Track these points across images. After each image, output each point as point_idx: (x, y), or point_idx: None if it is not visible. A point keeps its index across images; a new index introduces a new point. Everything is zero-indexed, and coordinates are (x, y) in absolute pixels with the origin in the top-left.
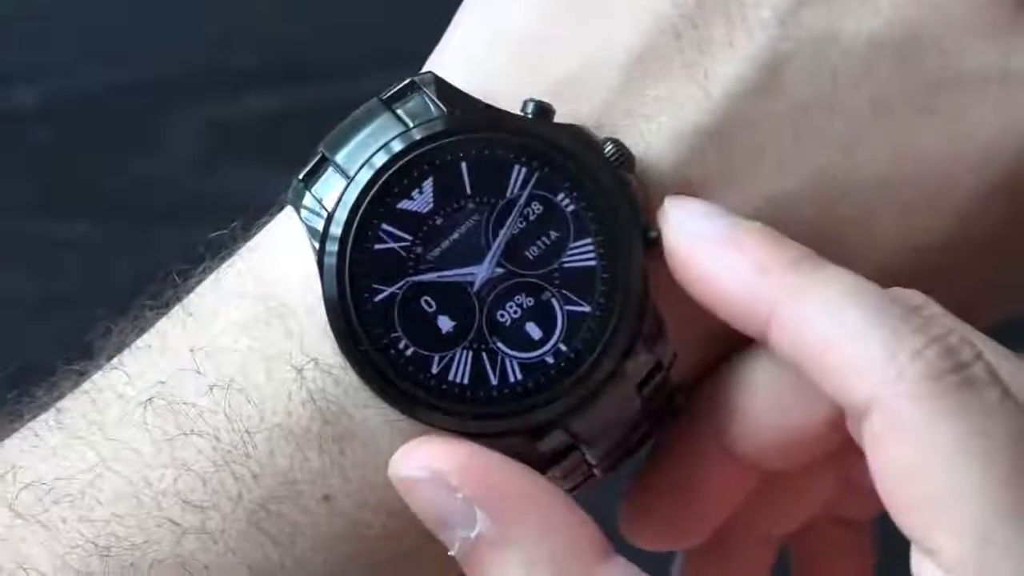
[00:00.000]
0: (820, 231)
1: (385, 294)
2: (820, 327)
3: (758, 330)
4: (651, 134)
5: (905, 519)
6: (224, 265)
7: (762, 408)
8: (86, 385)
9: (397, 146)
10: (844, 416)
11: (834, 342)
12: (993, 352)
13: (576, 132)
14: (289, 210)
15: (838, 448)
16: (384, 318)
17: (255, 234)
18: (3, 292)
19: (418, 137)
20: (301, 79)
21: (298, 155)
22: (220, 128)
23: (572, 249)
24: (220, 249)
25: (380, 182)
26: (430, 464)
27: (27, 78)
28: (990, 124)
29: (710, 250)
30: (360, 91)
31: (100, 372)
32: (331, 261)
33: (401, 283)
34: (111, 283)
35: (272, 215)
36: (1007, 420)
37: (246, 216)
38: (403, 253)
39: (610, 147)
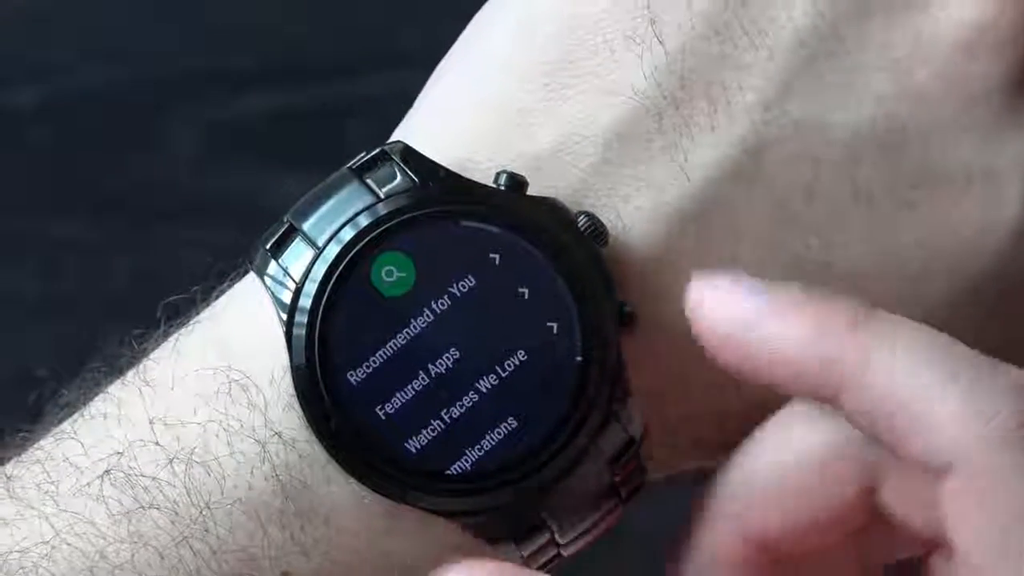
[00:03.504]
0: None
1: (356, 368)
2: (906, 381)
3: (829, 395)
4: (628, 214)
5: None
6: (183, 331)
7: (787, 489)
8: (38, 453)
9: (364, 220)
10: (872, 492)
11: (920, 396)
12: None
13: (550, 206)
14: (251, 277)
15: (862, 527)
16: (355, 391)
17: (214, 299)
18: (3, 292)
19: (384, 212)
20: (301, 79)
21: (298, 155)
22: (220, 128)
23: (546, 324)
24: (178, 314)
25: (348, 257)
26: None
27: (27, 78)
28: (971, 222)
29: (759, 326)
30: (360, 91)
31: (52, 439)
32: (300, 332)
33: (372, 357)
34: (111, 283)
35: (232, 281)
36: None
37: (205, 283)
38: (373, 328)
39: (584, 220)
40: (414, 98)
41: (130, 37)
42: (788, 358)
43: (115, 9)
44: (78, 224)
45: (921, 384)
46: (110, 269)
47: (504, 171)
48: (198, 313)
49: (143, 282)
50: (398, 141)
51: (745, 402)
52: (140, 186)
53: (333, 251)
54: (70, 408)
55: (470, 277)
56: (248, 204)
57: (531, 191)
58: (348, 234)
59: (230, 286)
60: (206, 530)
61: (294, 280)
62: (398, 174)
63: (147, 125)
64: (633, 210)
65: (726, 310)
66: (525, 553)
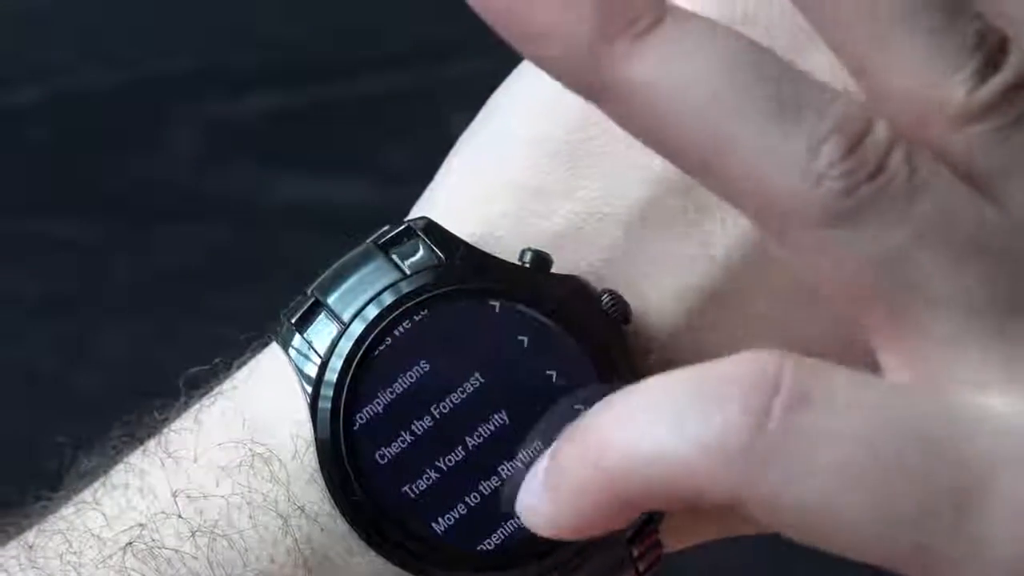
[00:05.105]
0: None
1: (382, 445)
2: None
3: None
4: (652, 292)
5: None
6: (205, 402)
7: None
8: (59, 523)
9: (389, 298)
10: None
11: None
12: None
13: (575, 284)
14: (273, 349)
15: None
16: (380, 468)
17: (235, 370)
18: (3, 292)
19: (410, 289)
20: (301, 79)
21: (298, 155)
22: (220, 128)
23: (569, 400)
24: (200, 385)
25: (373, 335)
26: None
27: (27, 78)
28: None
29: None
30: (360, 91)
31: (73, 508)
32: (325, 406)
33: (399, 434)
34: (111, 283)
35: (253, 352)
36: None
37: (228, 353)
38: (399, 405)
39: (607, 298)
40: (413, 98)
41: (130, 37)
42: None
43: (115, 9)
44: (78, 224)
45: None
46: (110, 269)
47: (529, 249)
48: (220, 384)
49: (143, 282)
50: (422, 217)
51: None
52: (140, 186)
53: (358, 328)
54: (90, 476)
55: (498, 357)
56: (247, 204)
57: (554, 268)
58: (373, 311)
59: (252, 357)
60: None
61: (319, 354)
62: (423, 249)
63: (147, 125)
64: (657, 288)
65: None
66: None
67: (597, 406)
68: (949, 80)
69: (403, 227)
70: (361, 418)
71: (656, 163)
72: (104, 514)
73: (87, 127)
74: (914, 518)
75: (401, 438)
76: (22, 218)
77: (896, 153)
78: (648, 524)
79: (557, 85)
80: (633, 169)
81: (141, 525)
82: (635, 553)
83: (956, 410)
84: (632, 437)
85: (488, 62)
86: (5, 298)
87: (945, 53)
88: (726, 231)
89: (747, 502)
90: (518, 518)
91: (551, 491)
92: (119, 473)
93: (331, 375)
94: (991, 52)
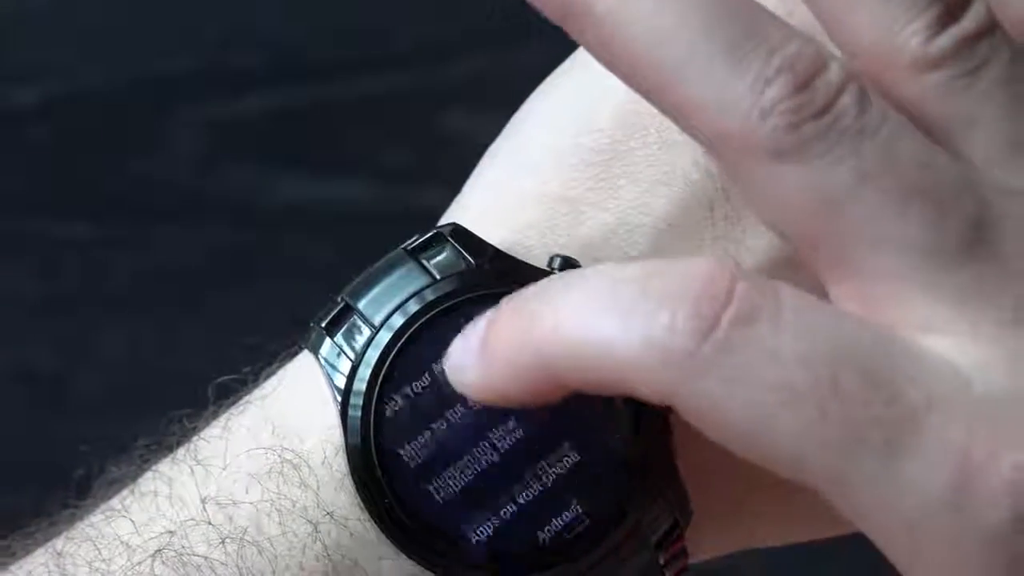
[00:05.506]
0: None
1: (413, 450)
2: None
3: None
4: None
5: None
6: (234, 410)
7: None
8: (88, 531)
9: (414, 306)
10: None
11: None
12: None
13: None
14: (302, 357)
15: None
16: (411, 473)
17: (263, 380)
18: (3, 292)
19: (433, 297)
20: (301, 79)
21: (298, 155)
22: (220, 128)
23: (596, 402)
24: (228, 394)
25: (401, 342)
26: None
27: (27, 78)
28: None
29: None
30: (360, 91)
31: (102, 515)
32: (355, 413)
33: (430, 439)
34: (111, 283)
35: (281, 362)
36: None
37: (257, 362)
38: (431, 410)
39: None
40: (413, 98)
41: (130, 37)
42: None
43: (115, 9)
44: (78, 224)
45: None
46: (110, 269)
47: (558, 255)
48: (248, 393)
49: (143, 282)
50: (452, 223)
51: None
52: (140, 186)
53: (386, 336)
54: (118, 484)
55: None
56: (247, 204)
57: None
58: (399, 320)
59: (280, 366)
60: None
61: (349, 359)
62: (452, 255)
63: (147, 125)
64: None
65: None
66: None
67: (545, 281)
68: (906, 29)
69: (433, 233)
70: (390, 423)
71: (686, 173)
72: (133, 521)
73: (87, 127)
74: (842, 443)
75: (431, 442)
76: (22, 218)
77: (846, 94)
78: (674, 529)
79: (588, 95)
80: (663, 179)
81: (170, 532)
82: (662, 560)
83: (898, 345)
84: (575, 318)
85: (488, 62)
86: (5, 298)
87: (904, 3)
88: (756, 240)
89: (679, 404)
90: (552, 522)
91: (485, 355)
92: (148, 481)
93: (360, 382)
94: (950, 3)
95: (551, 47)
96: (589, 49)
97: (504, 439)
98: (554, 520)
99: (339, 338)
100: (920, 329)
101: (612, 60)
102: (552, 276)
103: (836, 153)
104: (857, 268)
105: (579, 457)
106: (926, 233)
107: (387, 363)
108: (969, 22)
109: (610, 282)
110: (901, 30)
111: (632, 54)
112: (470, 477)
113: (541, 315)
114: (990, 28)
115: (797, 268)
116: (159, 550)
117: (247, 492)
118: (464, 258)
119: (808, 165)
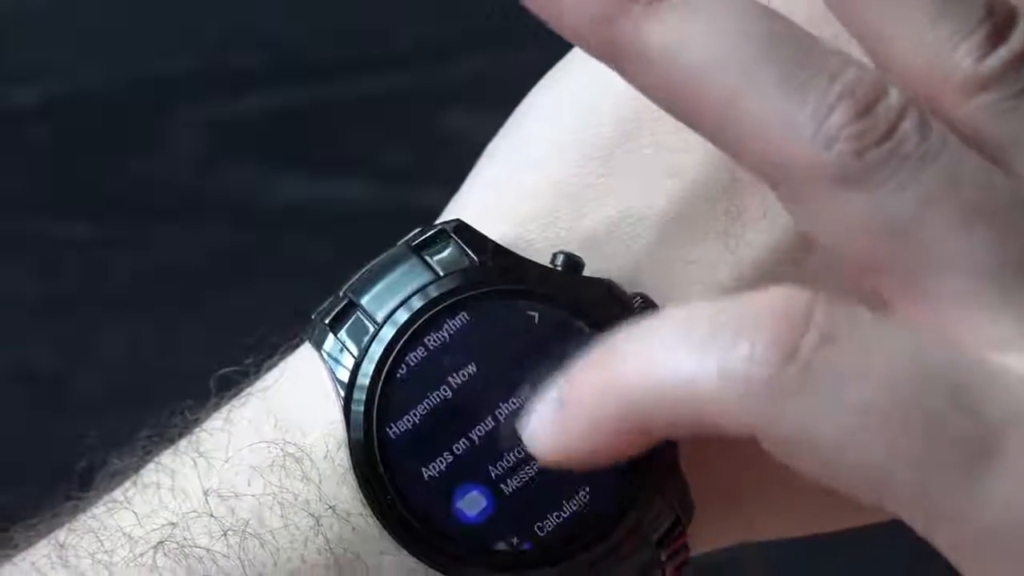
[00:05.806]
0: None
1: (416, 444)
2: None
3: None
4: (681, 296)
5: None
6: (236, 403)
7: None
8: (91, 523)
9: (418, 303)
10: None
11: None
12: None
13: (607, 287)
14: (304, 350)
15: None
16: (413, 468)
17: (265, 372)
18: (3, 292)
19: (437, 293)
20: (301, 79)
21: (298, 155)
22: (220, 128)
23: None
24: (230, 386)
25: (404, 338)
26: None
27: (27, 78)
28: None
29: None
30: (360, 91)
31: (104, 507)
32: (359, 408)
33: (431, 432)
34: (111, 283)
35: (283, 354)
36: None
37: (259, 354)
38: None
39: (639, 301)
40: (413, 98)
41: (130, 37)
42: None
43: (115, 9)
44: (78, 224)
45: None
46: (110, 269)
47: (561, 252)
48: (250, 385)
49: (143, 282)
50: (455, 219)
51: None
52: (140, 186)
53: (389, 332)
54: (121, 476)
55: (528, 359)
56: (247, 204)
57: (586, 271)
58: (403, 316)
59: (281, 358)
60: None
61: (352, 355)
62: (455, 251)
63: (147, 125)
64: (687, 292)
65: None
66: None
67: (616, 332)
68: (956, 51)
69: (435, 229)
70: (393, 418)
71: (688, 167)
72: (135, 513)
73: (87, 127)
74: (925, 463)
75: (432, 434)
76: (22, 218)
77: (907, 120)
78: (676, 526)
79: (588, 90)
80: (665, 173)
81: (172, 524)
82: (663, 556)
83: (974, 363)
84: (652, 362)
85: (488, 62)
86: (5, 298)
87: (952, 24)
88: (756, 235)
89: (765, 435)
90: (551, 518)
91: (564, 416)
92: (150, 472)
93: (363, 379)
94: (998, 23)
95: (551, 47)
96: (643, 87)
97: (509, 436)
98: (553, 516)
99: (343, 334)
100: (993, 348)
101: (670, 98)
102: (625, 326)
103: (899, 179)
104: (925, 291)
105: None
106: (991, 253)
107: (391, 359)
108: (1017, 42)
109: (685, 322)
110: (952, 52)
111: (689, 87)
112: (474, 474)
113: (618, 367)
114: None
115: (797, 264)
116: (161, 542)
117: (249, 485)
118: (467, 255)
119: (872, 191)
